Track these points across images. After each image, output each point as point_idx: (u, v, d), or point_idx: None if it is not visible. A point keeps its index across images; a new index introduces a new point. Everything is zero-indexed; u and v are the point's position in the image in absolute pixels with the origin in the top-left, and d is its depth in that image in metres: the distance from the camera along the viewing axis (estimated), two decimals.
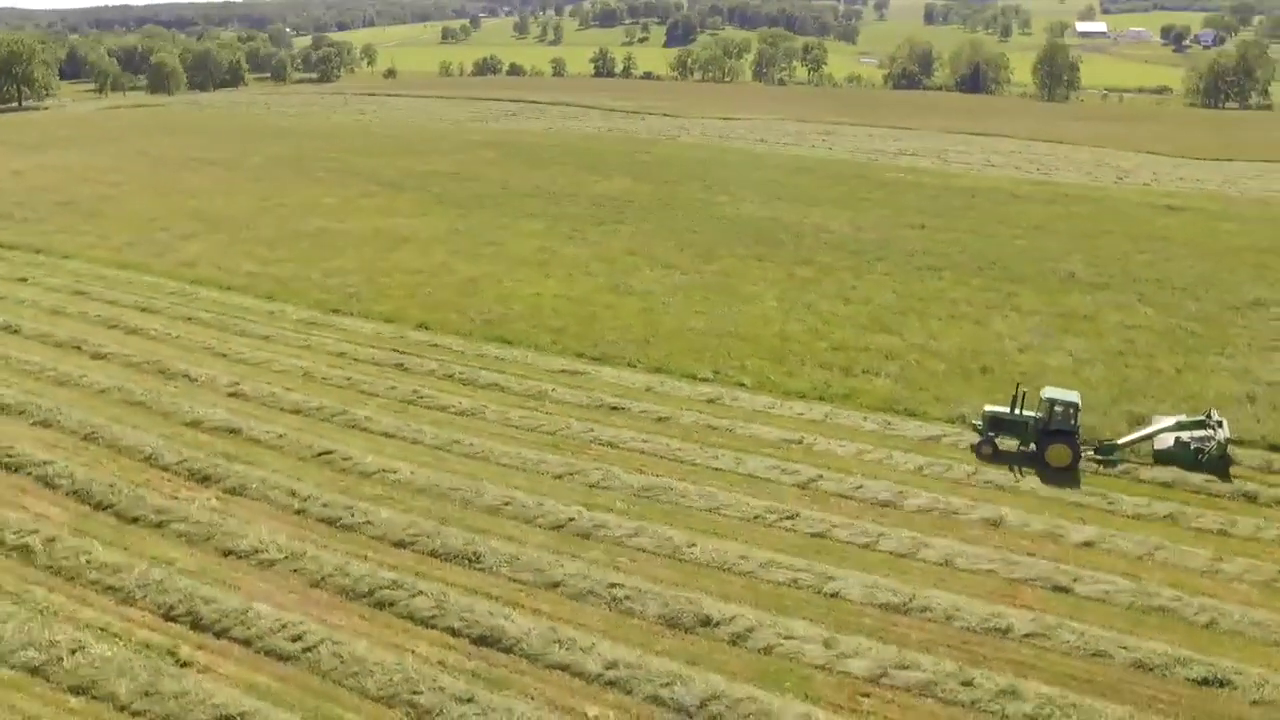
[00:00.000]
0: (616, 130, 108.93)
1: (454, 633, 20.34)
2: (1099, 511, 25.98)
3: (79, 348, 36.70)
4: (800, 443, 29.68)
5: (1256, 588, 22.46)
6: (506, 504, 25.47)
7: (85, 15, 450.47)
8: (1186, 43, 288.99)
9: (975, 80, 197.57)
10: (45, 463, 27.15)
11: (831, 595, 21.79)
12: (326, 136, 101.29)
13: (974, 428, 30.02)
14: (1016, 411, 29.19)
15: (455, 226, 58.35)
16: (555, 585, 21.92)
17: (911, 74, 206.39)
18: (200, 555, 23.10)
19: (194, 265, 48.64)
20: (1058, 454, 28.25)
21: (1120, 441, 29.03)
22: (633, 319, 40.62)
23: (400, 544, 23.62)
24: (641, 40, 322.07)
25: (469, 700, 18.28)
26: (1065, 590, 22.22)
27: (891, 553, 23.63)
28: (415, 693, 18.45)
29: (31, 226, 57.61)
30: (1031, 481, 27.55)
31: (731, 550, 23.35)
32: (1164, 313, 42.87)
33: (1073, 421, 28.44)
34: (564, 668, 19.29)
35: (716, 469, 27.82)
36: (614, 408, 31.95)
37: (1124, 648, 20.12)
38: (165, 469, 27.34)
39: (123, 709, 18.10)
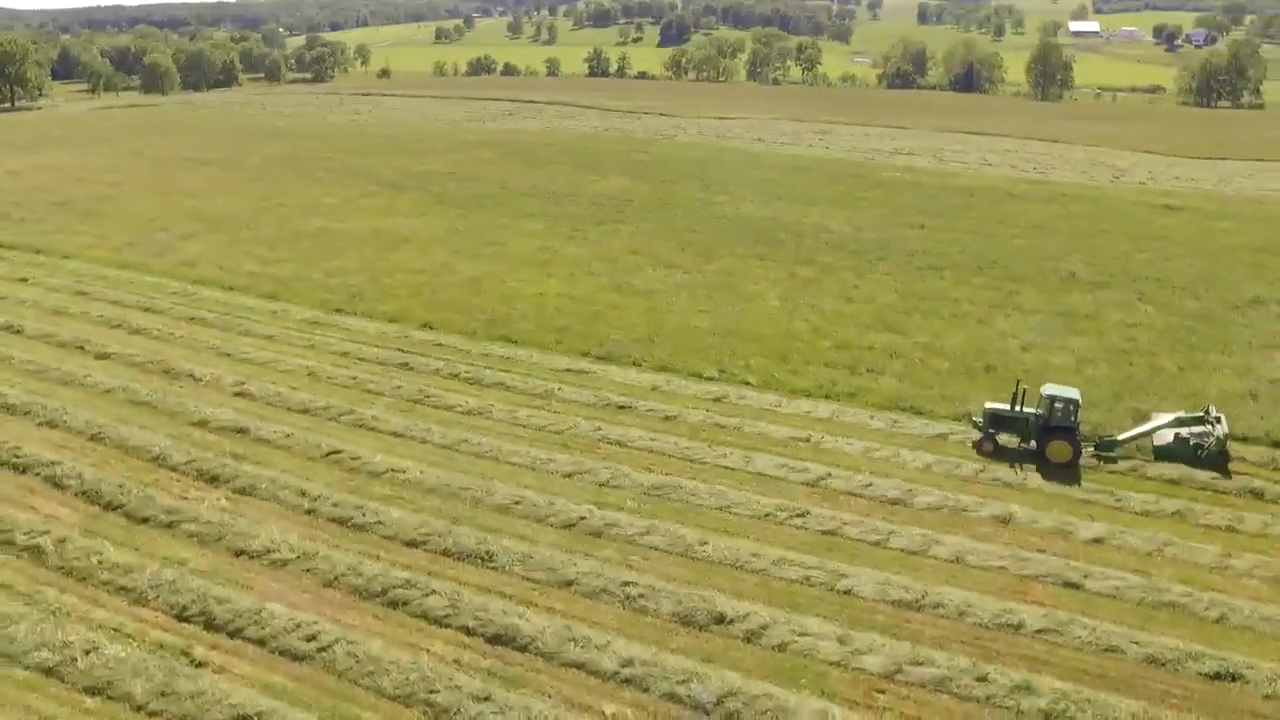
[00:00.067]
0: (613, 130, 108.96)
1: (469, 631, 20.36)
2: (1107, 508, 26.12)
3: (82, 348, 36.58)
4: (808, 441, 29.77)
5: (1266, 583, 22.61)
6: (517, 503, 25.49)
7: (77, 15, 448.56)
8: (1179, 42, 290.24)
9: (969, 80, 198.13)
10: (53, 463, 27.07)
11: (844, 592, 21.88)
12: (323, 136, 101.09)
13: (975, 425, 30.18)
14: (1017, 408, 29.37)
15: (455, 226, 58.31)
16: (568, 584, 21.94)
17: (906, 73, 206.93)
18: (212, 555, 23.07)
19: (195, 265, 48.52)
20: (1058, 450, 28.43)
21: (1120, 438, 29.21)
22: (637, 318, 40.66)
23: (412, 543, 23.62)
24: (635, 40, 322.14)
25: (486, 699, 18.30)
26: (1076, 586, 22.34)
27: (902, 550, 23.73)
28: (432, 691, 18.46)
29: (29, 227, 57.38)
30: (1039, 479, 27.67)
31: (743, 548, 23.41)
32: (1165, 311, 43.08)
33: (1073, 418, 28.62)
34: (579, 666, 19.33)
35: (725, 467, 27.88)
36: (621, 407, 31.99)
37: (1136, 643, 20.25)
38: (174, 469, 27.28)
39: (139, 709, 18.08)
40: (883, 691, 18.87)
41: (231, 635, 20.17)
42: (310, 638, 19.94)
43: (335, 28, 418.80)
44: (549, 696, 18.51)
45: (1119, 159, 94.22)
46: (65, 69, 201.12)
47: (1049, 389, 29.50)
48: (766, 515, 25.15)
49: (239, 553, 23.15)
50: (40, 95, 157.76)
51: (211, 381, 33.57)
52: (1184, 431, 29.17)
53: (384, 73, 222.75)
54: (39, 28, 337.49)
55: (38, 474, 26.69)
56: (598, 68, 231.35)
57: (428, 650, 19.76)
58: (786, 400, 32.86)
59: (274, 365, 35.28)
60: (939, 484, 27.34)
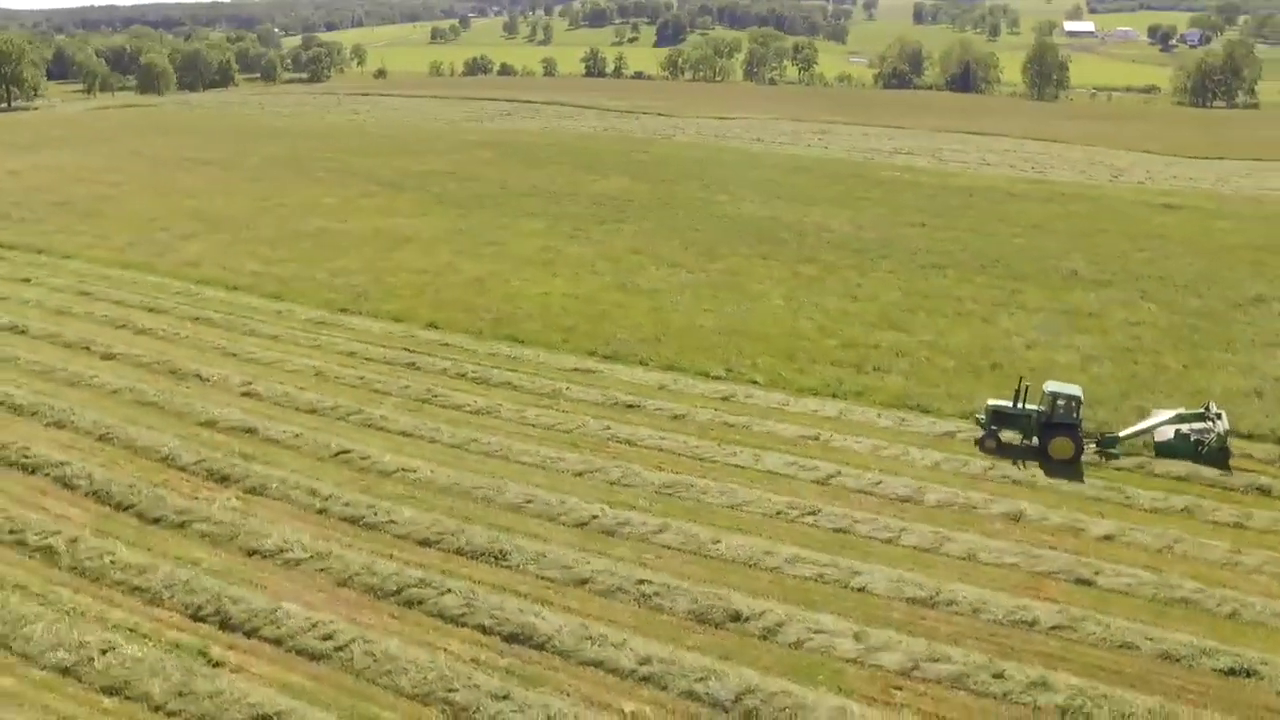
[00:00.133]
0: (611, 130, 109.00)
1: (485, 630, 20.36)
2: (1116, 505, 26.22)
3: (88, 348, 36.49)
4: (817, 439, 29.83)
5: (1276, 579, 22.71)
6: (529, 502, 25.50)
7: (71, 15, 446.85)
8: (1173, 42, 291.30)
9: (965, 79, 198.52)
10: (62, 463, 27.01)
11: (858, 590, 21.93)
12: (321, 137, 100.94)
13: (977, 422, 30.30)
14: (1019, 405, 29.50)
15: (457, 226, 58.28)
16: (583, 582, 21.96)
17: (902, 73, 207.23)
18: (225, 555, 23.03)
19: (198, 265, 48.42)
20: (1060, 447, 28.57)
21: (1121, 434, 29.37)
22: (642, 317, 40.69)
23: (425, 542, 23.62)
24: (631, 40, 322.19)
25: (505, 697, 18.30)
26: (1088, 583, 22.42)
27: (914, 547, 23.79)
28: (450, 690, 18.45)
29: (30, 227, 57.21)
30: (1048, 477, 27.76)
31: (756, 546, 23.45)
32: (1167, 309, 43.26)
33: (1075, 415, 28.76)
34: (597, 664, 19.33)
35: (735, 465, 27.93)
36: (629, 405, 32.01)
37: (1150, 639, 20.33)
38: (183, 469, 27.23)
39: (157, 709, 18.03)
40: (900, 688, 18.92)
41: (248, 635, 20.14)
42: (327, 637, 19.93)
43: (330, 28, 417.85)
44: (568, 695, 18.52)
45: (1116, 158, 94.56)
46: (60, 69, 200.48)
47: (1051, 386, 29.66)
48: (778, 513, 25.19)
49: (252, 552, 23.12)
50: (36, 95, 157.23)
51: (218, 381, 33.51)
52: (1185, 428, 29.35)
53: (380, 73, 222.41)
54: (33, 27, 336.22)
55: (47, 474, 26.63)
56: (594, 68, 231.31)
57: (445, 649, 19.75)
58: (794, 399, 32.92)
59: (280, 365, 35.24)
60: (948, 481, 27.43)
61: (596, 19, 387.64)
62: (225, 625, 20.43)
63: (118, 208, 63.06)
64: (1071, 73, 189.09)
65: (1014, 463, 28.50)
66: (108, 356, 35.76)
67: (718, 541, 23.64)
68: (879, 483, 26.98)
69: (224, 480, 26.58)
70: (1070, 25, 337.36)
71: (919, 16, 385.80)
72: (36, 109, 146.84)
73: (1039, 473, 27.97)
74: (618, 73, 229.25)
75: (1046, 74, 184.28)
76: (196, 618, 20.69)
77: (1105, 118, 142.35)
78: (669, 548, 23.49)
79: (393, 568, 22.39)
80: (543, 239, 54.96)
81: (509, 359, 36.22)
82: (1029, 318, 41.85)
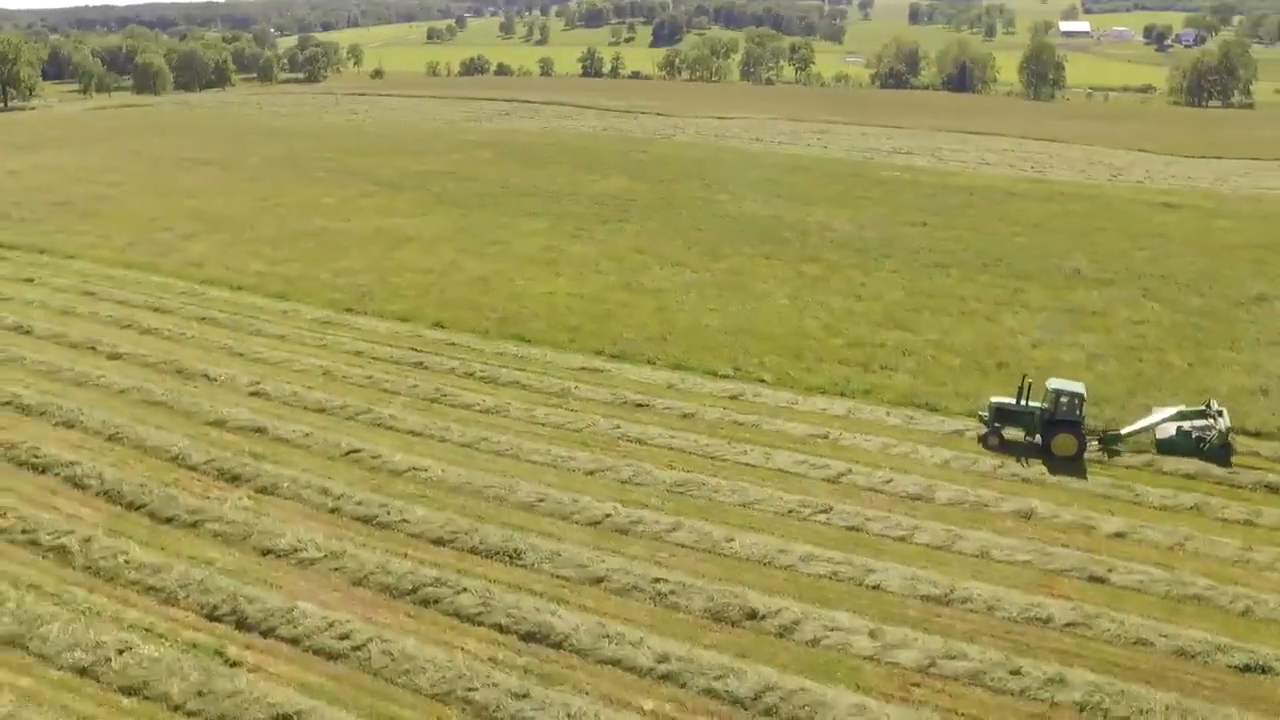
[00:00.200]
0: (610, 129, 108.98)
1: (501, 629, 20.38)
2: (1126, 503, 26.33)
3: (94, 348, 36.40)
4: (826, 438, 29.89)
5: None
6: (541, 501, 25.52)
7: (65, 15, 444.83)
8: (1168, 42, 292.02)
9: (962, 79, 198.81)
10: (72, 463, 26.96)
11: (873, 587, 21.99)
12: (320, 136, 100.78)
13: (980, 419, 30.40)
14: (1022, 403, 29.60)
15: (459, 225, 58.24)
16: (598, 581, 21.99)
17: (899, 73, 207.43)
18: (238, 555, 23.01)
19: (201, 265, 48.34)
20: (1063, 444, 28.71)
21: (1123, 431, 29.53)
22: (648, 317, 40.72)
23: (439, 541, 23.63)
24: (628, 40, 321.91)
25: (524, 696, 18.32)
26: (1101, 580, 22.51)
27: (927, 545, 23.87)
28: (470, 689, 18.47)
29: (30, 227, 57.04)
30: (1058, 475, 27.86)
31: (770, 544, 23.50)
32: (1170, 308, 43.40)
33: (1078, 412, 28.89)
34: (615, 662, 19.37)
35: (746, 464, 27.98)
36: (638, 404, 32.04)
37: (1164, 636, 20.43)
38: (193, 469, 27.20)
39: (176, 709, 18.03)
40: (918, 685, 18.98)
41: (264, 634, 20.14)
42: (344, 636, 19.93)
43: (326, 27, 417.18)
44: (587, 693, 18.55)
45: (1114, 158, 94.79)
46: (55, 69, 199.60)
47: (1054, 383, 29.80)
48: (790, 511, 25.25)
49: (265, 552, 23.11)
50: (32, 95, 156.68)
51: (226, 381, 33.46)
52: (1186, 425, 29.50)
53: (377, 73, 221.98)
54: (27, 28, 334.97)
55: (57, 474, 26.58)
56: (591, 68, 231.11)
57: (462, 648, 19.76)
58: (802, 397, 32.98)
59: (288, 365, 35.20)
60: (958, 480, 27.51)
61: (593, 19, 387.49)
62: (241, 625, 20.42)
63: (118, 208, 62.91)
64: (1067, 73, 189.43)
65: (1018, 459, 28.61)
66: (114, 356, 35.68)
67: (731, 540, 23.68)
68: (889, 481, 27.06)
69: (235, 480, 26.56)
70: (1065, 25, 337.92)
71: (915, 16, 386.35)
72: (34, 109, 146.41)
73: (1047, 471, 28.07)
74: (615, 73, 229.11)
75: (1043, 74, 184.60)
76: (212, 617, 20.68)
77: (1102, 117, 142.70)
78: (683, 546, 23.54)
79: (407, 567, 22.39)
80: (545, 238, 54.95)
81: (516, 358, 36.22)
82: (1033, 316, 41.97)
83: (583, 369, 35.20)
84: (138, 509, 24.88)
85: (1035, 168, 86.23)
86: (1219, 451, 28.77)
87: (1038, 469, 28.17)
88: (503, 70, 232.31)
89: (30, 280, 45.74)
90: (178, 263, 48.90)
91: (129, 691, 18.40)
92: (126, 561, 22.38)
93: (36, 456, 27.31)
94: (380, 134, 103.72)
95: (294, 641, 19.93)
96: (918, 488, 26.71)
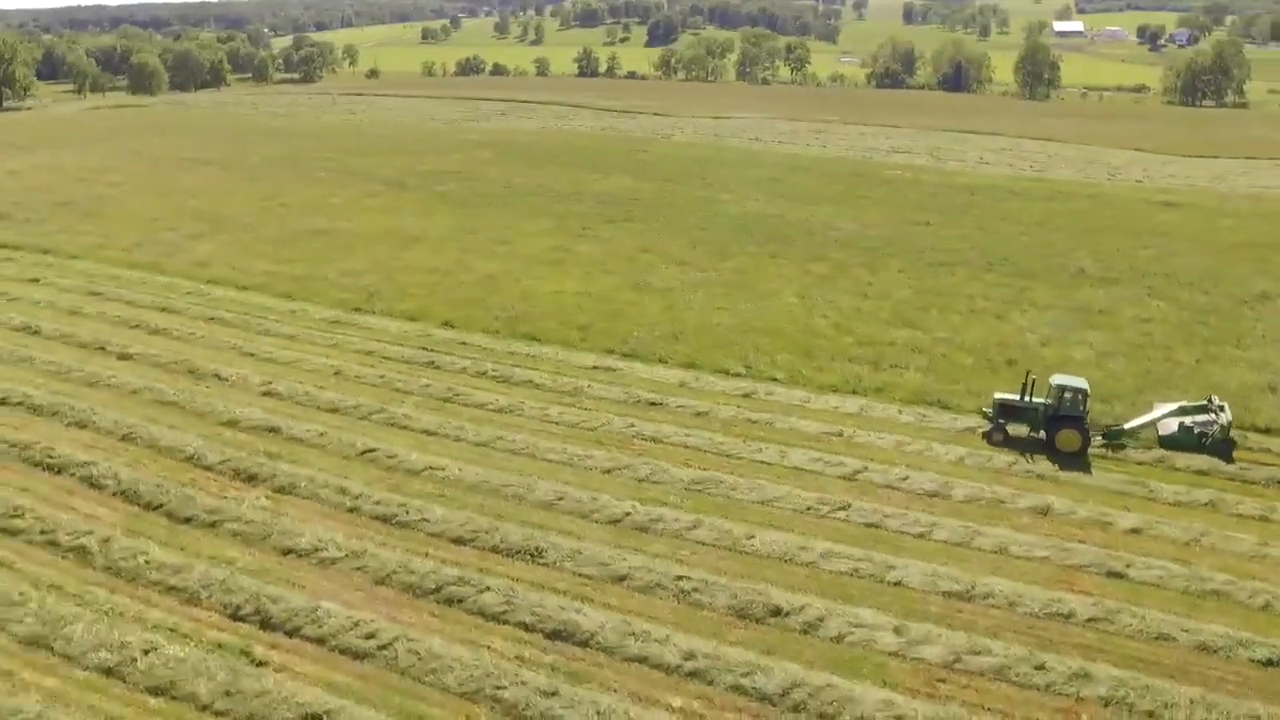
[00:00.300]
0: (610, 129, 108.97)
1: (527, 628, 20.40)
2: (1141, 499, 26.47)
3: (103, 348, 36.30)
4: (840, 435, 29.98)
5: None
6: (560, 499, 25.54)
7: (58, 15, 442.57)
8: (1162, 42, 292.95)
9: (958, 79, 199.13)
10: (87, 463, 26.90)
11: (894, 584, 22.07)
12: (319, 136, 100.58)
13: (984, 415, 30.53)
14: (1026, 398, 29.75)
15: (464, 225, 58.20)
16: (621, 579, 22.02)
17: (894, 73, 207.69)
18: (259, 554, 22.99)
19: (207, 265, 48.22)
20: (1067, 439, 28.90)
21: (1126, 427, 29.72)
22: (657, 316, 40.76)
23: (459, 540, 23.63)
24: (623, 40, 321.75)
25: (553, 694, 18.35)
26: (1120, 576, 22.64)
27: (946, 541, 23.98)
28: (498, 688, 18.49)
29: (33, 227, 56.83)
30: (1071, 471, 27.97)
31: (790, 541, 23.57)
32: (1176, 306, 43.60)
33: (1081, 408, 29.06)
34: (641, 660, 19.42)
35: (762, 462, 28.05)
36: (652, 403, 32.08)
37: (1185, 630, 20.56)
38: (209, 469, 27.16)
39: (205, 708, 18.02)
40: (943, 681, 19.07)
41: (289, 634, 20.13)
42: (369, 636, 19.93)
43: (320, 27, 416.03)
44: (615, 691, 18.59)
45: (1112, 157, 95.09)
46: (49, 69, 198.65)
47: (1058, 379, 29.98)
48: (808, 509, 25.32)
49: (286, 551, 23.09)
50: (27, 95, 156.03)
51: (238, 381, 33.40)
52: (1188, 420, 29.69)
53: (373, 73, 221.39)
54: (19, 27, 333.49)
55: (73, 474, 26.51)
56: (587, 68, 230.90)
57: (488, 647, 19.78)
58: (815, 396, 33.06)
59: (299, 365, 35.15)
60: (973, 476, 27.63)
61: (588, 19, 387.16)
62: (266, 625, 20.41)
63: (120, 208, 62.70)
64: (1062, 72, 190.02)
65: (1023, 454, 28.75)
66: (124, 356, 35.59)
67: (751, 537, 23.74)
68: (905, 478, 27.16)
69: (251, 479, 26.53)
70: (1059, 25, 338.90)
71: (909, 16, 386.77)
72: (30, 109, 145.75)
73: (1060, 467, 28.18)
74: (611, 73, 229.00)
75: (1038, 73, 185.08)
76: (236, 617, 20.67)
77: (1097, 117, 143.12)
78: (703, 544, 23.60)
79: (429, 566, 22.40)
80: (551, 238, 54.95)
81: (528, 357, 36.23)
82: (1041, 314, 42.13)
83: (595, 368, 35.23)
84: (155, 509, 24.84)
85: (1034, 167, 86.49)
86: (1221, 446, 28.99)
87: (1051, 466, 28.29)
88: (498, 70, 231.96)
89: (36, 280, 45.58)
90: (183, 263, 48.78)
91: (156, 691, 18.38)
92: (147, 562, 22.35)
93: (51, 457, 27.24)
94: (380, 134, 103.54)
95: (319, 641, 19.92)
96: (934, 484, 26.82)
